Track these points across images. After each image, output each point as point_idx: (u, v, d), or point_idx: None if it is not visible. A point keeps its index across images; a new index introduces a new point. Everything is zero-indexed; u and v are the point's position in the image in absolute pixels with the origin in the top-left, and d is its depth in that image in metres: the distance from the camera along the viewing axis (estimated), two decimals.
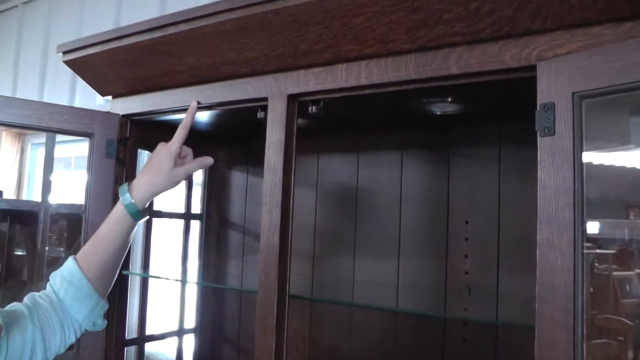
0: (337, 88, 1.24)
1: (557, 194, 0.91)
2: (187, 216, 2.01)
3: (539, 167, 0.94)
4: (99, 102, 2.57)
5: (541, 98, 0.96)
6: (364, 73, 1.20)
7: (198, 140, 2.01)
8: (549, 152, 0.93)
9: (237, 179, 2.10)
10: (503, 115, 1.48)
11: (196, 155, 1.38)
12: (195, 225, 2.06)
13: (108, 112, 1.67)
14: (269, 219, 1.29)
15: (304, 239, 1.85)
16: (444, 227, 1.60)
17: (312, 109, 1.30)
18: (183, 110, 1.55)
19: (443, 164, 1.62)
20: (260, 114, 1.38)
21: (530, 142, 1.49)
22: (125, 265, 1.66)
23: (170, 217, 1.99)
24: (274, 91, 1.32)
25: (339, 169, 1.81)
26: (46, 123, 1.57)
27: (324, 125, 1.71)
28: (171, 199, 2.19)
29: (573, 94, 0.92)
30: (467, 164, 1.58)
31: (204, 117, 1.66)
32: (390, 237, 1.68)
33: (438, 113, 1.42)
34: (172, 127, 1.79)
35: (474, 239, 1.55)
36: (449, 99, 1.30)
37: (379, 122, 1.63)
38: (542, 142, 0.94)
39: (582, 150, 0.90)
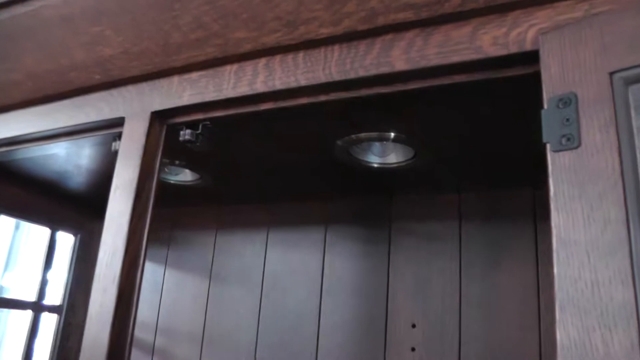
0: (221, 99, 0.80)
1: (593, 253, 0.46)
2: (39, 307, 1.46)
3: (552, 206, 0.50)
4: None
5: (551, 89, 0.54)
6: (262, 75, 0.77)
7: (55, 197, 1.48)
8: (572, 177, 0.49)
9: None
10: (466, 175, 1.05)
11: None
12: (50, 319, 1.50)
13: None
14: (99, 302, 0.79)
15: (190, 345, 1.32)
16: (381, 332, 1.12)
17: (185, 134, 0.85)
18: (21, 143, 1.07)
19: (382, 245, 1.17)
20: (115, 145, 0.92)
21: (502, 214, 1.12)
22: None
23: (14, 308, 1.43)
24: (134, 108, 0.88)
25: (241, 249, 1.34)
26: None
27: (222, 191, 1.26)
28: (19, 281, 1.64)
29: (610, 75, 0.50)
30: (415, 245, 1.13)
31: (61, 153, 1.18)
32: (305, 344, 1.18)
33: (375, 165, 0.98)
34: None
35: (424, 348, 1.07)
36: (391, 134, 0.87)
37: (297, 183, 1.18)
38: (558, 161, 0.51)
39: (638, 170, 0.47)
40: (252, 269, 1.31)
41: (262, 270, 1.29)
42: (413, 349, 1.07)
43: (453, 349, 1.04)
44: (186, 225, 1.44)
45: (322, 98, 0.74)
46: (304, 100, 0.75)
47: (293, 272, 1.25)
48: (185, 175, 1.19)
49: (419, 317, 1.09)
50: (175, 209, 1.46)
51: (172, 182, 1.20)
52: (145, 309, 1.41)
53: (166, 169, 1.16)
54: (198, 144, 0.85)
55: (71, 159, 1.17)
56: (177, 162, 1.09)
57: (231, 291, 1.32)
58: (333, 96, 0.73)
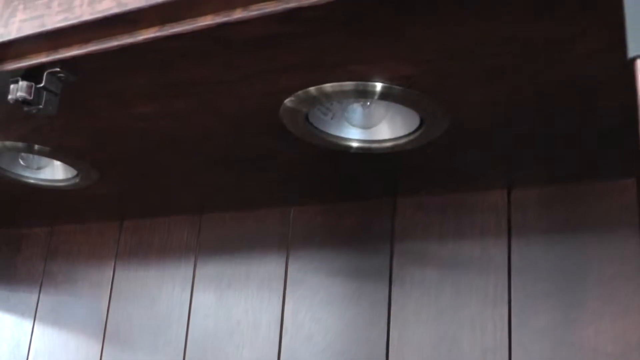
0: (73, 25, 0.70)
1: None
2: None
3: None
4: None
5: None
6: None
7: None
8: None
9: None
10: (521, 158, 0.95)
11: None
12: None
13: None
14: None
15: None
16: None
17: (19, 89, 0.75)
18: None
19: (378, 281, 1.09)
20: None
21: (583, 222, 0.97)
22: None
23: None
24: None
25: (152, 292, 1.30)
26: None
27: (117, 196, 1.24)
28: None
29: None
30: (434, 280, 1.05)
31: None
32: None
33: (354, 145, 0.87)
34: None
35: None
36: (377, 85, 0.74)
37: (237, 180, 1.09)
38: None
39: None
40: (169, 324, 1.24)
41: (186, 325, 1.23)
42: None
43: None
44: (67, 253, 1.39)
45: (239, 15, 0.62)
46: (208, 21, 0.63)
47: (234, 328, 1.18)
48: (55, 171, 1.12)
49: None
50: (49, 228, 1.40)
51: (32, 181, 1.12)
52: None
53: (21, 160, 1.08)
54: (41, 105, 0.74)
55: None
56: (36, 146, 1.00)
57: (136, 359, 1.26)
58: (257, 9, 0.61)
